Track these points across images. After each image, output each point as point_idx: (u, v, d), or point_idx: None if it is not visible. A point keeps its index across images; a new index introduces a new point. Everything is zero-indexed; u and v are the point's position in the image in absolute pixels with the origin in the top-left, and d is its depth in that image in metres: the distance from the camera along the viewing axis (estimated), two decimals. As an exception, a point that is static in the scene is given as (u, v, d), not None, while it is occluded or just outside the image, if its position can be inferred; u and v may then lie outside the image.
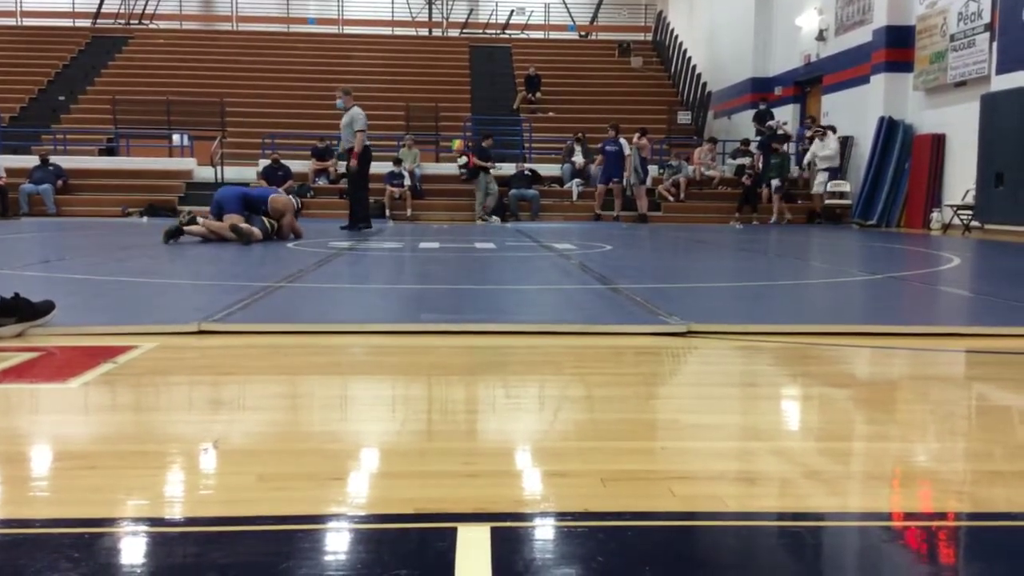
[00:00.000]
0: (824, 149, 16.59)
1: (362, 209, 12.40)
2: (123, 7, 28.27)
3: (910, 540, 1.69)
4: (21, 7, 27.73)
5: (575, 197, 17.75)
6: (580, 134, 18.43)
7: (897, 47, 15.45)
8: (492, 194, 16.98)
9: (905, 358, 3.65)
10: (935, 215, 14.44)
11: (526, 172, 17.61)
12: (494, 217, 16.72)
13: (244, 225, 9.24)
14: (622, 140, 16.95)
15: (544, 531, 1.68)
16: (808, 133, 17.76)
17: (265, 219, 9.61)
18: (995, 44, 13.03)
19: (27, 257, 8.23)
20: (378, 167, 14.89)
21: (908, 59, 15.33)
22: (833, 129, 16.96)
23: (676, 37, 25.66)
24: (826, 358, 3.59)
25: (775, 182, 16.94)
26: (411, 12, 29.92)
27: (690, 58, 23.88)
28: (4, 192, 16.59)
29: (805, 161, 17.45)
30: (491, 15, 29.86)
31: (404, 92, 21.02)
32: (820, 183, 16.76)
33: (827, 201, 16.73)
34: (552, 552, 1.58)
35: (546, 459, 2.17)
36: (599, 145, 17.42)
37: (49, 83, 22.31)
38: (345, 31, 28.53)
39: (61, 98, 21.62)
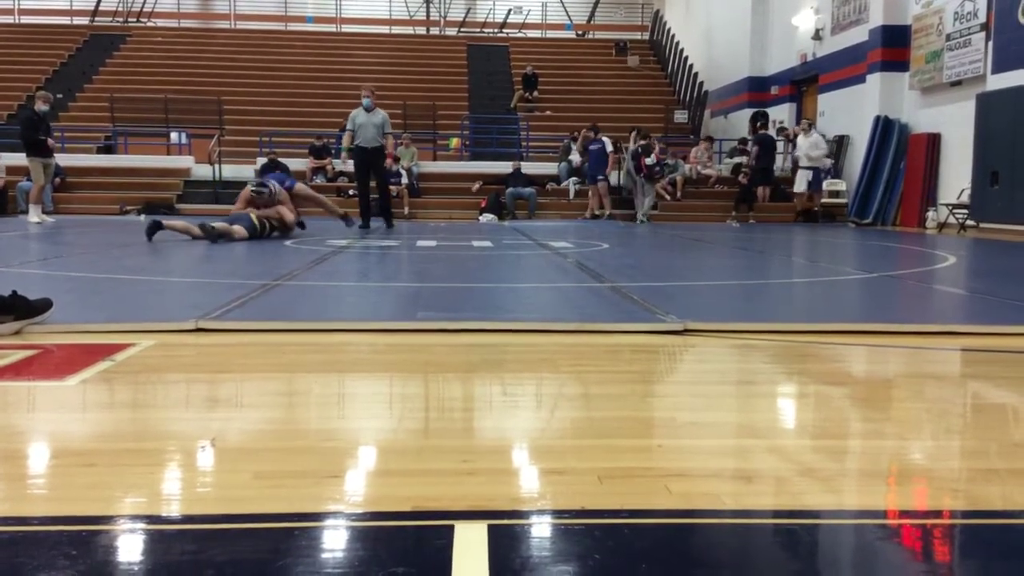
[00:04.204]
0: (812, 148, 16.09)
1: (365, 209, 12.46)
2: (121, 5, 28.24)
3: (906, 538, 1.69)
4: (19, 5, 27.67)
5: (572, 196, 17.77)
6: (576, 133, 18.44)
7: (893, 46, 15.47)
8: (650, 195, 16.65)
9: (901, 356, 3.66)
10: (931, 214, 14.46)
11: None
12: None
13: (220, 224, 9.22)
14: (604, 139, 16.94)
15: (541, 529, 1.68)
16: (789, 131, 17.73)
17: (254, 216, 9.54)
18: (990, 43, 13.06)
19: (25, 255, 8.21)
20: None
21: (904, 58, 15.36)
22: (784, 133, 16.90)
23: (673, 36, 25.66)
24: (822, 356, 3.59)
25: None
26: (409, 11, 29.91)
27: (687, 57, 23.88)
28: (4, 190, 16.57)
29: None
30: (488, 14, 29.85)
31: (402, 91, 21.01)
32: (802, 181, 16.26)
33: (823, 200, 16.67)
34: (549, 550, 1.58)
35: (543, 457, 2.17)
36: (581, 149, 17.39)
37: (47, 81, 22.26)
38: (343, 29, 28.50)
39: (59, 96, 21.56)
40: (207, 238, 8.89)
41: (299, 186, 10.81)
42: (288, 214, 9.91)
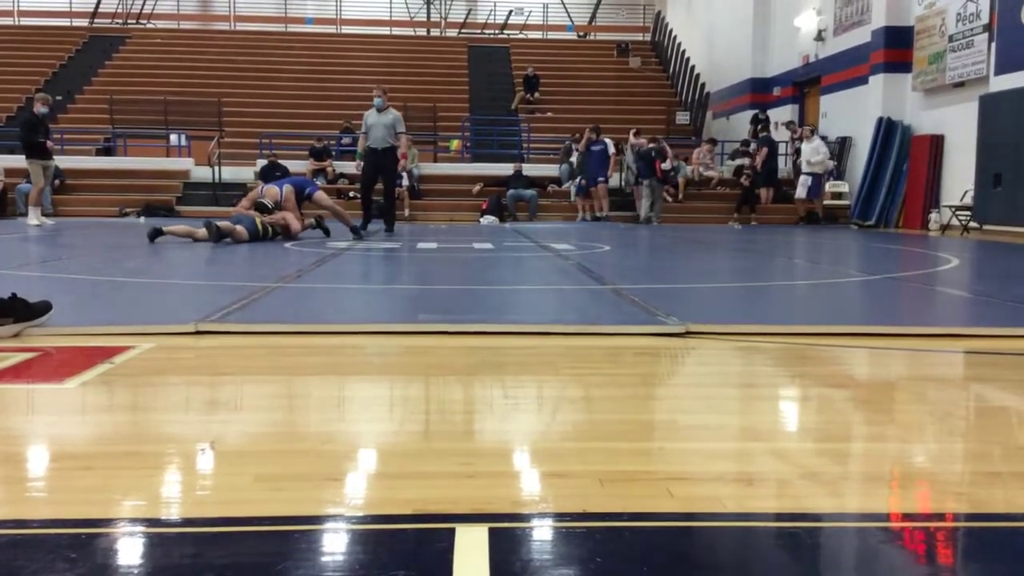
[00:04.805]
0: (812, 154, 16.01)
1: (368, 212, 12.15)
2: (120, 7, 28.25)
3: (908, 541, 1.69)
4: (18, 6, 27.68)
5: (572, 197, 17.76)
6: (578, 135, 18.43)
7: (895, 48, 15.45)
8: (659, 198, 16.46)
9: (903, 359, 3.65)
10: (933, 216, 14.44)
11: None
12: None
13: (224, 223, 9.23)
14: (606, 140, 16.95)
15: (542, 532, 1.68)
16: (796, 128, 17.70)
17: (258, 220, 9.53)
18: (993, 45, 13.04)
19: (24, 257, 8.21)
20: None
21: (906, 60, 15.34)
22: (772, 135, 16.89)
23: (675, 37, 25.66)
24: (824, 359, 3.59)
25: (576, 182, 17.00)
26: (409, 12, 29.91)
27: (688, 58, 23.88)
28: (3, 192, 16.58)
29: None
30: (489, 15, 29.86)
31: (402, 92, 20.97)
32: (802, 187, 16.20)
33: (826, 202, 16.65)
34: (550, 553, 1.58)
35: (544, 460, 2.16)
36: (582, 148, 17.38)
37: (46, 83, 22.26)
38: (343, 31, 28.51)
39: (58, 98, 21.58)
40: (211, 238, 8.88)
41: (319, 194, 10.72)
42: (294, 222, 9.88)
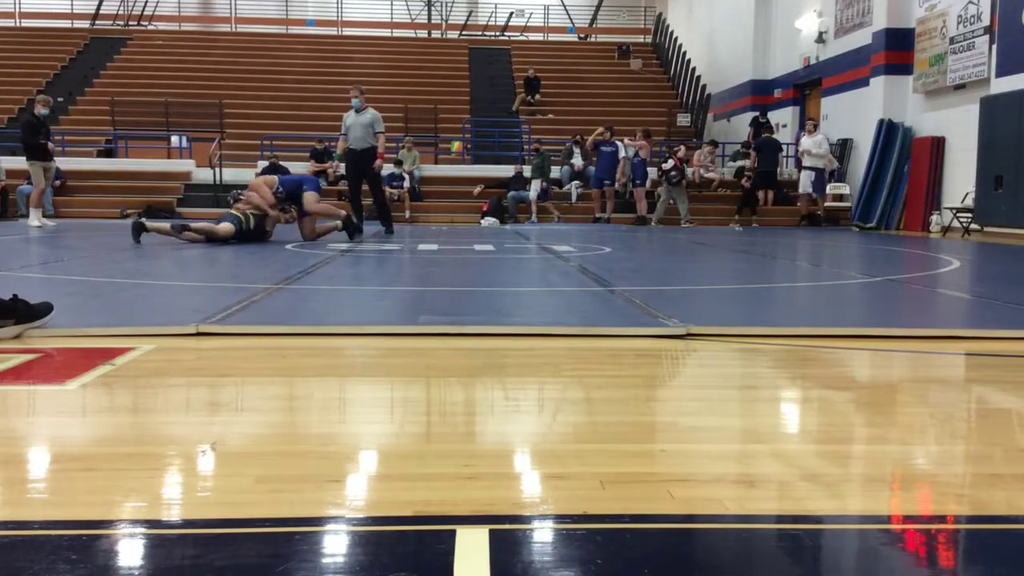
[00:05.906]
0: (815, 147, 16.12)
1: (356, 213, 12.01)
2: (122, 8, 28.31)
3: (909, 543, 1.68)
4: (19, 8, 27.73)
5: (574, 199, 17.76)
6: (579, 136, 18.44)
7: (896, 49, 15.47)
8: (683, 201, 16.62)
9: (904, 361, 3.65)
10: (935, 218, 14.44)
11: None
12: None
13: (200, 224, 9.39)
14: (617, 142, 16.98)
15: (543, 534, 1.67)
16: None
17: (240, 214, 9.54)
18: (994, 47, 13.05)
19: (25, 258, 8.21)
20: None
21: (907, 61, 15.36)
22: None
23: (675, 39, 25.70)
24: (825, 361, 3.58)
25: (537, 185, 17.07)
26: (410, 14, 29.96)
27: (689, 60, 23.91)
28: (4, 194, 16.60)
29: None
30: (490, 17, 29.91)
31: (403, 94, 21.04)
32: (805, 181, 16.35)
33: (827, 204, 16.67)
34: (551, 555, 1.58)
35: (545, 461, 2.16)
36: (590, 146, 17.41)
37: (48, 84, 22.30)
38: (344, 33, 28.55)
39: (60, 99, 21.62)
40: (172, 233, 9.15)
41: (308, 195, 10.08)
42: (257, 198, 9.72)
